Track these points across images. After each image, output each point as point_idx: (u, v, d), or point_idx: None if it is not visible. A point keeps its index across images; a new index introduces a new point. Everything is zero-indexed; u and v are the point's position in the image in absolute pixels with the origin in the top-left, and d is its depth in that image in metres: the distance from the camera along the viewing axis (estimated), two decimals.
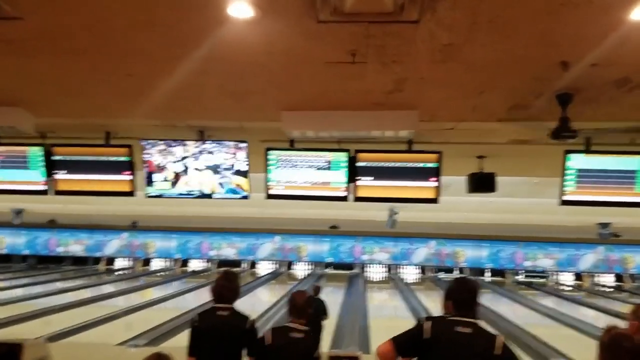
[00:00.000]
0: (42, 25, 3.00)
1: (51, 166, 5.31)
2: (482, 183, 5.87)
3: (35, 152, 5.28)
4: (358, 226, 18.88)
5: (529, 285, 19.48)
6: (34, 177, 5.34)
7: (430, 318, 2.93)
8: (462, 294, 2.86)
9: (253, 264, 21.37)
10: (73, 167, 5.33)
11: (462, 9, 2.52)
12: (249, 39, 2.92)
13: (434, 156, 5.06)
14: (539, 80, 3.44)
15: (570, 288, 19.51)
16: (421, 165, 5.10)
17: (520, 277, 20.57)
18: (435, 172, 5.07)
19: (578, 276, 20.54)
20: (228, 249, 21.28)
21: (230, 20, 2.71)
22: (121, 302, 13.24)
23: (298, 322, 3.49)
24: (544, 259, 19.98)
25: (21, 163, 5.33)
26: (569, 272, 20.38)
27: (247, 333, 3.57)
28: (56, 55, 3.43)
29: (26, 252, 21.38)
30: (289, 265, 21.82)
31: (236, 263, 21.09)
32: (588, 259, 19.78)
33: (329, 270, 21.02)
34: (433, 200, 5.18)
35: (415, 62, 3.18)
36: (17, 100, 4.24)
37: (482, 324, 2.84)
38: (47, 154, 5.27)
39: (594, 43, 2.87)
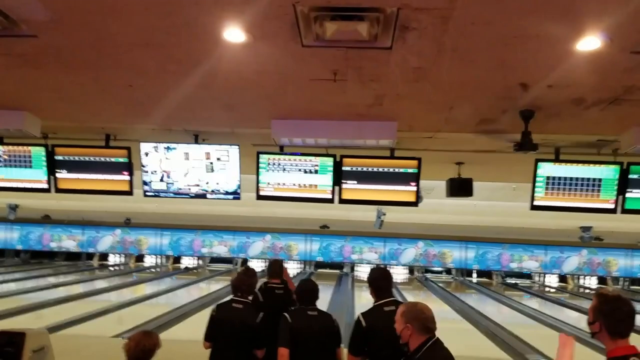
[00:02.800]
0: (52, 42, 3.31)
1: (53, 165, 5.61)
2: (460, 188, 6.23)
3: (38, 152, 5.60)
4: (348, 226, 19.22)
5: (514, 286, 19.93)
6: (36, 175, 5.65)
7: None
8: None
9: (244, 262, 21.68)
10: (74, 167, 5.64)
11: (428, 39, 2.88)
12: (241, 59, 3.26)
13: (413, 162, 5.42)
14: (502, 99, 3.81)
15: (555, 290, 20.00)
16: (402, 170, 5.45)
17: (507, 279, 21.02)
18: (415, 177, 5.43)
19: (563, 278, 21.03)
20: (220, 246, 21.54)
21: (225, 44, 3.05)
22: (113, 297, 13.50)
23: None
24: (529, 261, 20.42)
25: (25, 162, 5.64)
26: (553, 274, 20.86)
27: (256, 328, 3.95)
28: (63, 68, 3.75)
29: (19, 247, 21.56)
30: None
31: (228, 260, 21.39)
32: (572, 261, 20.25)
33: (320, 270, 21.37)
34: (413, 204, 5.54)
35: (390, 81, 3.54)
36: (24, 105, 4.55)
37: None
38: (50, 154, 5.58)
39: (546, 68, 3.24)
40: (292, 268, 21.92)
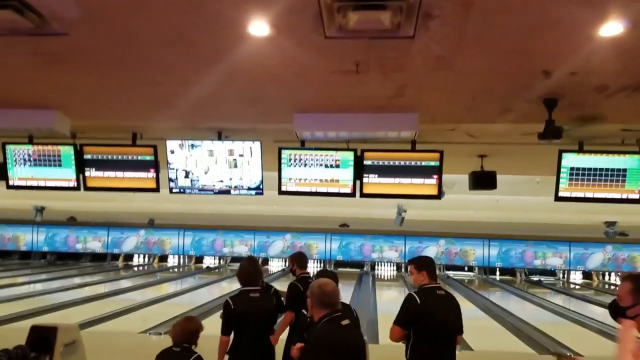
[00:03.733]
0: (82, 40, 3.41)
1: (82, 164, 5.74)
2: (483, 180, 6.21)
3: (67, 151, 5.73)
4: (368, 224, 19.20)
5: (538, 283, 19.70)
6: (66, 174, 5.78)
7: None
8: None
9: (265, 261, 21.81)
10: (102, 165, 5.75)
11: (450, 26, 2.90)
12: (265, 53, 3.32)
13: (435, 155, 5.40)
14: (525, 87, 3.81)
15: (580, 286, 19.72)
16: (424, 163, 5.46)
17: (531, 276, 20.79)
18: (437, 170, 5.42)
19: (587, 275, 20.71)
20: (240, 246, 21.72)
21: (250, 38, 3.12)
22: (138, 297, 13.72)
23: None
24: (553, 258, 20.18)
25: (54, 161, 5.78)
26: (577, 270, 20.56)
27: (275, 314, 4.12)
28: (92, 67, 3.86)
29: (45, 248, 22.00)
30: None
31: None
32: (596, 257, 19.94)
33: (340, 269, 21.39)
34: (435, 197, 5.54)
35: (412, 71, 3.57)
36: (54, 105, 4.67)
37: None
38: (78, 153, 5.71)
39: (570, 55, 3.23)
40: (312, 267, 21.99)
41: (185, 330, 3.59)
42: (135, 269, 21.62)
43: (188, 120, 5.16)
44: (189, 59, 3.52)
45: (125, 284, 17.09)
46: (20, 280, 16.54)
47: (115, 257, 22.26)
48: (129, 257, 22.48)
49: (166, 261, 22.49)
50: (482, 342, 8.78)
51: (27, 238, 21.84)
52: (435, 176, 5.46)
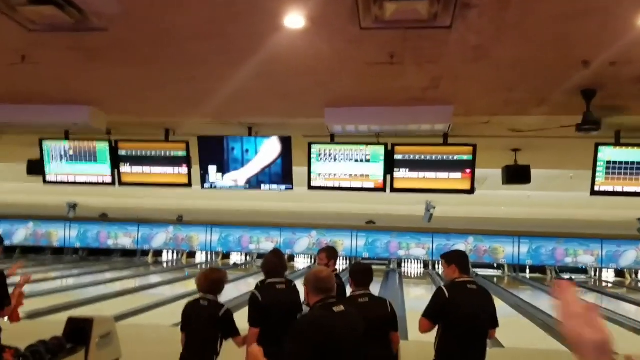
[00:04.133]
0: (121, 36, 3.47)
1: (117, 160, 5.85)
2: (517, 175, 6.11)
3: (103, 147, 5.84)
4: (394, 221, 19.11)
5: (570, 281, 19.30)
6: (101, 170, 5.89)
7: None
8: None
9: (291, 258, 21.88)
10: (136, 161, 5.85)
11: (488, 16, 2.86)
12: (299, 45, 3.33)
13: (468, 149, 5.34)
14: (563, 78, 3.73)
15: (612, 284, 19.27)
16: (456, 157, 5.40)
17: (562, 274, 20.40)
18: (470, 164, 5.35)
19: (619, 273, 20.22)
20: (267, 242, 21.81)
21: (285, 30, 3.12)
22: (167, 292, 13.93)
23: None
24: (584, 255, 19.76)
25: (90, 157, 5.90)
26: (610, 268, 20.09)
27: (301, 305, 4.04)
28: (128, 62, 3.92)
29: (78, 245, 22.49)
30: None
31: None
32: (629, 255, 19.45)
33: None
34: (468, 192, 5.47)
35: (448, 62, 3.53)
36: (91, 100, 4.76)
37: None
38: (113, 149, 5.82)
39: (609, 44, 3.15)
40: (339, 264, 21.93)
41: (209, 280, 3.79)
42: (165, 264, 21.93)
43: (220, 116, 5.21)
44: (224, 52, 3.55)
45: (154, 279, 17.34)
46: (54, 275, 16.94)
47: (145, 253, 22.62)
48: (158, 253, 22.82)
49: (194, 257, 22.75)
50: (513, 339, 8.65)
51: (59, 234, 22.36)
52: (468, 170, 5.40)
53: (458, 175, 5.44)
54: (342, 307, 2.84)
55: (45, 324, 8.01)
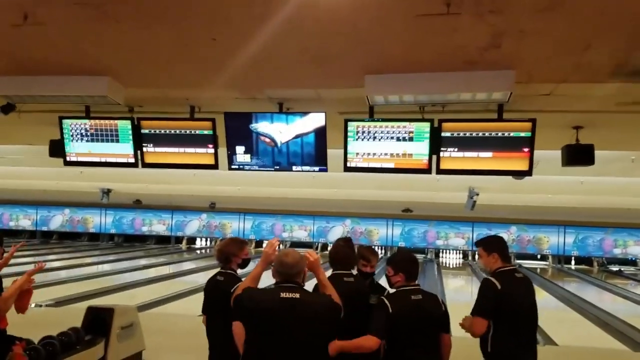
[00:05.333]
0: None
1: (140, 139, 5.46)
2: (579, 155, 5.46)
3: (125, 126, 5.46)
4: (432, 210, 18.44)
5: (618, 273, 18.25)
6: (123, 149, 5.52)
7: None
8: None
9: (324, 247, 21.49)
10: (160, 140, 5.45)
11: None
12: None
13: (527, 125, 4.73)
14: None
15: None
16: (512, 134, 4.80)
17: (610, 266, 19.34)
18: (528, 142, 4.75)
19: None
20: (300, 231, 21.54)
21: None
22: (201, 279, 13.72)
23: None
24: (634, 246, 18.66)
25: (112, 136, 5.53)
26: None
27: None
28: (143, 22, 3.47)
29: (113, 231, 22.67)
30: None
31: (307, 245, 21.28)
32: None
33: None
34: (526, 173, 4.89)
35: (514, 12, 2.93)
36: (105, 70, 4.35)
37: None
38: (136, 128, 5.43)
39: None
40: None
41: (221, 253, 3.73)
42: (198, 252, 21.89)
43: (246, 87, 4.73)
44: (248, 5, 3.04)
45: (188, 266, 17.22)
46: (89, 260, 17.00)
47: (179, 240, 22.64)
48: (192, 240, 22.83)
49: None
50: (565, 335, 7.99)
51: (95, 220, 22.58)
52: (526, 149, 4.80)
53: (515, 154, 4.84)
54: (296, 295, 2.77)
55: (71, 311, 7.77)
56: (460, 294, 14.14)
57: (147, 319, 6.39)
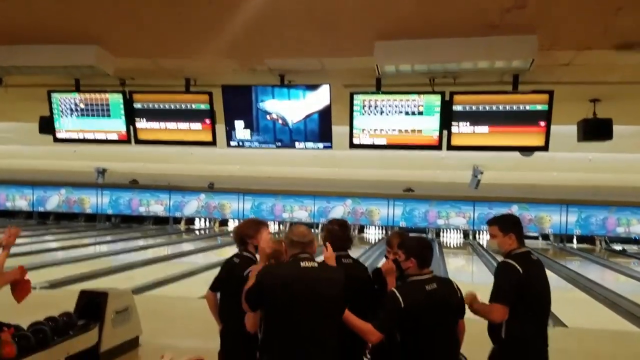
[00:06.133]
0: None
1: (132, 114, 5.17)
2: (596, 130, 5.20)
3: (116, 100, 5.16)
4: (434, 189, 18.23)
5: (622, 252, 18.14)
6: (115, 126, 5.23)
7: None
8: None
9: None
10: (154, 115, 5.17)
11: None
12: None
13: (543, 97, 4.47)
14: None
15: None
16: (528, 107, 4.53)
17: (613, 245, 19.22)
18: (545, 116, 4.49)
19: None
20: (300, 211, 21.38)
21: None
22: (200, 260, 13.56)
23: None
24: (638, 225, 18.50)
25: (103, 111, 5.24)
26: None
27: (367, 282, 3.42)
28: None
29: (110, 211, 22.45)
30: (361, 229, 21.60)
31: (308, 225, 21.12)
32: None
33: None
34: (541, 148, 4.64)
35: None
36: (93, 38, 4.04)
37: None
38: (128, 102, 5.14)
39: None
40: (374, 234, 21.34)
41: (235, 234, 3.59)
42: (197, 232, 21.73)
43: (245, 58, 4.42)
44: None
45: (187, 247, 17.05)
46: (86, 241, 16.82)
47: (177, 220, 22.45)
48: (190, 220, 22.64)
49: (227, 225, 22.44)
50: (572, 315, 7.82)
51: (92, 201, 22.36)
52: (543, 123, 4.54)
53: (530, 129, 4.58)
54: (314, 264, 2.74)
55: (66, 294, 7.56)
56: (461, 273, 14.02)
57: (144, 302, 6.20)
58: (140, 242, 17.30)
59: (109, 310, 4.73)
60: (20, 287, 3.59)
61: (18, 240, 3.69)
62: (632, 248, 18.86)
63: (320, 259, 2.99)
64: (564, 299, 10.03)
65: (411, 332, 2.79)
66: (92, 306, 4.71)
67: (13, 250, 3.60)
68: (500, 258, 3.28)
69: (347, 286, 2.82)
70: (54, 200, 22.57)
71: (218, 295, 3.57)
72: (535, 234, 19.82)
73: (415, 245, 3.00)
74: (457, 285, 3.03)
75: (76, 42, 4.06)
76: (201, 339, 3.66)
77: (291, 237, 2.83)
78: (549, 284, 3.25)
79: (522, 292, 3.03)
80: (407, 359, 2.81)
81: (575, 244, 19.56)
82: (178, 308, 7.39)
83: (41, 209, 22.67)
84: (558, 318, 7.55)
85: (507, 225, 3.24)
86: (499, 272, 3.13)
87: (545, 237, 19.85)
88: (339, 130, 4.94)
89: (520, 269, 3.03)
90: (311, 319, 2.65)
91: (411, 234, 3.51)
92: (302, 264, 2.72)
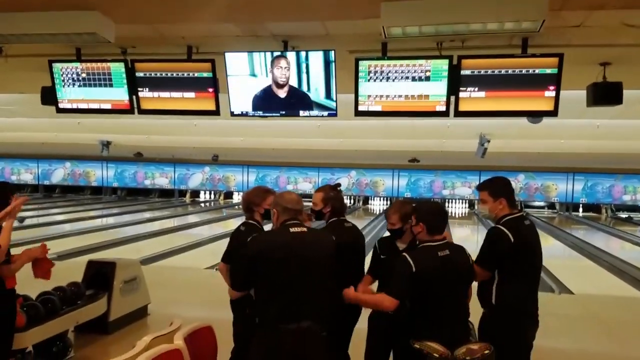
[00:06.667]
0: None
1: (134, 83, 5.11)
2: (606, 94, 5.09)
3: (118, 69, 5.09)
4: (439, 159, 18.12)
5: (628, 220, 18.09)
6: (118, 95, 5.18)
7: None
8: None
9: None
10: (156, 84, 5.10)
11: None
12: None
13: (553, 60, 4.38)
14: None
15: None
16: (537, 71, 4.44)
17: (619, 213, 19.17)
18: (554, 79, 4.41)
19: None
20: (304, 183, 21.36)
21: None
22: (205, 232, 13.62)
23: None
24: None
25: (105, 81, 5.17)
26: None
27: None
28: None
29: (115, 184, 22.52)
30: (366, 200, 21.61)
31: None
32: None
33: None
34: (551, 113, 4.56)
35: None
36: (93, 4, 3.96)
37: None
38: (130, 71, 5.07)
39: None
40: (378, 205, 21.34)
41: (243, 201, 3.56)
42: (202, 205, 21.80)
43: (248, 23, 4.33)
44: None
45: (193, 219, 17.13)
46: (93, 214, 16.91)
47: (182, 193, 22.51)
48: (195, 193, 22.69)
49: (231, 198, 22.50)
50: (580, 284, 7.84)
51: (97, 174, 22.40)
52: (552, 87, 4.47)
53: (540, 93, 4.50)
54: (303, 229, 2.73)
55: (74, 265, 7.62)
56: (466, 243, 13.87)
57: (152, 272, 6.24)
58: (147, 215, 17.38)
59: (117, 279, 4.75)
60: (40, 265, 3.54)
61: (25, 213, 3.67)
62: (638, 216, 18.81)
63: None
64: (571, 266, 10.08)
65: (421, 298, 2.77)
66: (100, 276, 4.73)
67: (20, 222, 3.59)
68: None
69: (352, 250, 2.82)
70: (59, 174, 22.63)
71: None
72: (542, 203, 19.77)
73: (425, 210, 2.95)
74: (468, 253, 3.00)
75: (76, 9, 3.97)
76: (208, 308, 3.67)
77: (284, 204, 2.80)
78: (541, 248, 3.19)
79: (512, 258, 2.97)
80: (416, 326, 2.79)
81: (581, 212, 19.53)
82: (185, 278, 7.45)
83: (47, 183, 22.76)
84: (564, 285, 7.57)
85: (497, 190, 3.15)
86: (487, 238, 3.06)
87: (552, 206, 19.80)
88: (343, 99, 4.87)
89: (511, 235, 2.96)
90: (303, 283, 2.63)
91: (424, 201, 3.48)
92: (292, 229, 2.71)
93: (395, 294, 2.76)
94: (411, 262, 2.76)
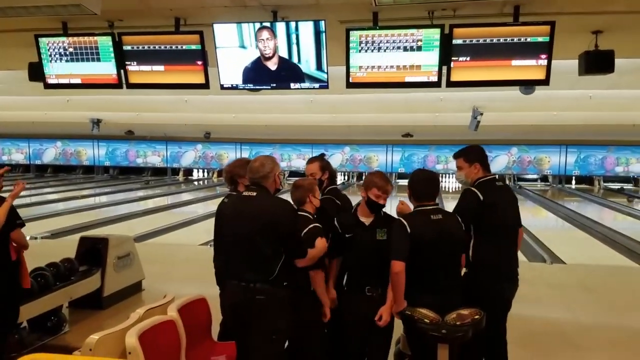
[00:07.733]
0: None
1: (122, 57, 5.03)
2: (598, 62, 5.06)
3: (105, 43, 5.01)
4: (433, 134, 18.09)
5: (620, 191, 18.22)
6: (106, 69, 5.11)
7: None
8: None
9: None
10: (144, 57, 5.03)
11: None
12: None
13: (544, 28, 4.37)
14: None
15: None
16: (529, 39, 4.42)
17: (611, 184, 19.29)
18: (546, 48, 4.40)
19: None
20: (298, 160, 21.28)
21: None
22: (200, 210, 13.61)
23: None
24: (637, 164, 18.51)
25: (92, 55, 5.09)
26: None
27: None
28: None
29: (107, 163, 22.38)
30: (359, 176, 21.63)
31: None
32: None
33: (400, 181, 20.64)
34: (543, 82, 4.56)
35: None
36: None
37: None
38: (117, 45, 4.99)
39: None
40: None
41: (226, 173, 3.66)
42: (196, 183, 21.74)
43: None
44: None
45: (186, 197, 17.09)
46: (85, 193, 16.84)
47: (175, 171, 22.42)
48: (188, 171, 22.61)
49: None
50: (571, 253, 7.92)
51: (88, 153, 22.24)
52: (544, 55, 4.46)
53: (532, 61, 4.49)
54: (253, 194, 2.86)
55: (67, 242, 7.61)
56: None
57: (147, 249, 6.26)
58: (140, 193, 17.32)
59: (110, 255, 4.75)
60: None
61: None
62: (628, 187, 18.93)
63: None
64: (563, 237, 10.18)
65: (416, 261, 2.79)
66: (93, 252, 4.73)
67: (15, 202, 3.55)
68: None
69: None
70: (50, 153, 22.46)
71: None
72: (535, 176, 19.83)
73: (412, 177, 3.06)
74: (460, 221, 3.02)
75: None
76: (202, 283, 3.69)
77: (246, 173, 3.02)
78: (514, 208, 3.32)
79: (483, 216, 3.10)
80: (410, 289, 2.81)
81: (573, 185, 19.63)
82: (180, 255, 7.46)
83: (38, 162, 22.59)
84: (557, 256, 7.65)
85: (471, 155, 3.31)
86: (460, 198, 3.21)
87: (545, 178, 19.87)
88: (335, 72, 4.82)
89: (481, 196, 3.11)
90: (238, 244, 2.80)
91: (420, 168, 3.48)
92: (244, 193, 2.92)
93: (400, 255, 2.78)
94: (406, 224, 2.82)
